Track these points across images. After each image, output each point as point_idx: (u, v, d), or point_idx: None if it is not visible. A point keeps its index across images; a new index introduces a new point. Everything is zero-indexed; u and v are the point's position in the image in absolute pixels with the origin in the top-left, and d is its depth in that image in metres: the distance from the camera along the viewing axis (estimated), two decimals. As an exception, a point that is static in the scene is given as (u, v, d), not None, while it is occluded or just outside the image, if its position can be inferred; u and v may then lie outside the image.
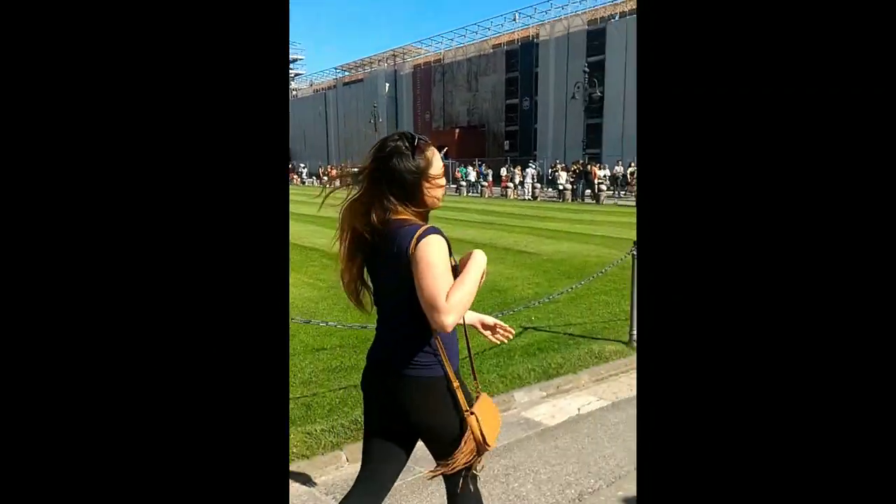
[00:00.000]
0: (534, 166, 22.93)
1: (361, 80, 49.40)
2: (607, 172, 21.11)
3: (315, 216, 13.41)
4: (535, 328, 4.29)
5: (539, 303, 4.30)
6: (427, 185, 1.34)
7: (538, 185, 21.90)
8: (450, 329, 1.23)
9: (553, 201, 19.71)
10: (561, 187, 20.23)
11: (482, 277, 1.32)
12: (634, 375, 3.54)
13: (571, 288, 4.55)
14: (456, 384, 1.34)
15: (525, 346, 3.87)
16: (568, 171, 21.08)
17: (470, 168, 26.22)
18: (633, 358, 3.75)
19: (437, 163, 1.36)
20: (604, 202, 18.27)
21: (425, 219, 1.38)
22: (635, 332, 3.95)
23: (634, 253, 3.92)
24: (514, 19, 37.16)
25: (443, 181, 1.38)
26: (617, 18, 30.73)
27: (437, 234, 1.27)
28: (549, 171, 24.15)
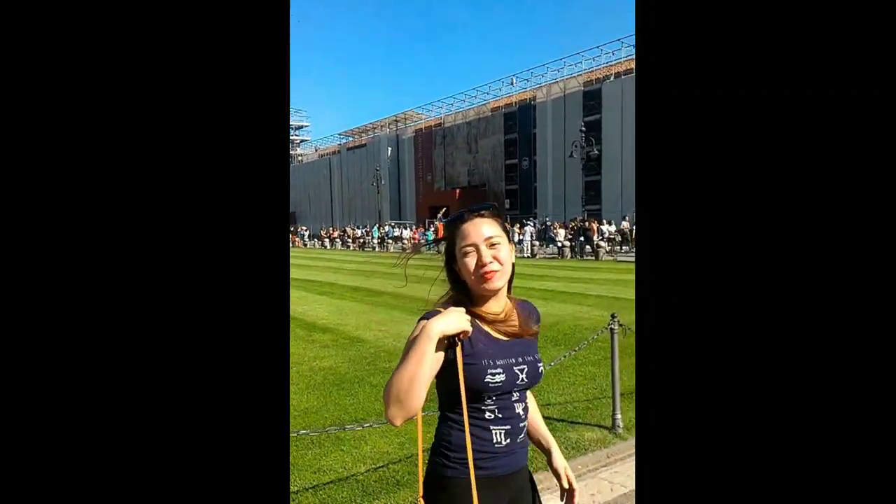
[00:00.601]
0: (532, 224, 22.73)
1: (365, 145, 50.62)
2: (613, 228, 20.77)
3: (304, 280, 12.92)
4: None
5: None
6: (456, 265, 1.24)
7: (537, 243, 21.61)
8: (396, 425, 1.12)
9: (553, 258, 19.34)
10: (560, 244, 19.92)
11: (460, 339, 1.17)
12: (616, 470, 2.98)
13: (555, 361, 4.05)
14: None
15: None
16: (566, 229, 20.82)
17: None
18: (616, 448, 3.19)
19: (460, 236, 1.23)
20: (603, 258, 17.87)
21: (484, 296, 1.24)
22: (619, 416, 3.41)
23: (614, 327, 3.44)
24: (512, 83, 38.26)
25: (468, 249, 1.21)
26: (612, 79, 31.46)
27: (426, 318, 1.17)
28: (542, 227, 23.92)
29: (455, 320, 1.14)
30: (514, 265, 1.28)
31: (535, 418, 1.35)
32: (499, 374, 1.18)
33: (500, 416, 1.20)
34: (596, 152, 24.00)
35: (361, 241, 31.27)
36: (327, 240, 34.96)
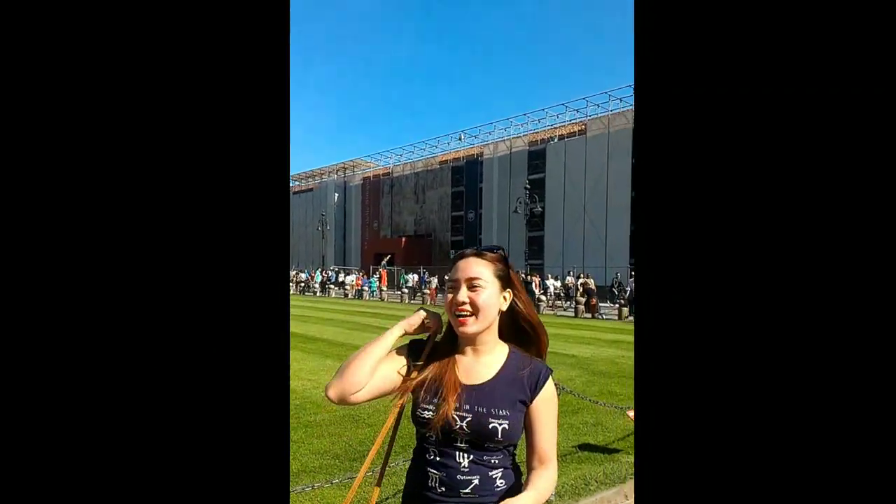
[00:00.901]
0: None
1: (311, 190, 50.16)
2: (558, 283, 21.00)
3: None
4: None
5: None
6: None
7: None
8: (328, 396, 1.16)
9: (495, 311, 19.32)
10: (502, 297, 20.01)
11: (431, 335, 1.25)
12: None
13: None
14: None
15: None
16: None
17: (412, 275, 25.95)
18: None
19: (452, 270, 1.23)
20: (543, 312, 18.05)
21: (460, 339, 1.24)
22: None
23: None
24: (460, 139, 39.29)
25: (451, 285, 1.21)
26: (556, 140, 32.90)
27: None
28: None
29: (418, 314, 1.23)
30: (512, 314, 1.24)
31: (533, 481, 1.14)
32: (429, 410, 1.16)
33: (437, 459, 1.16)
34: (539, 209, 24.73)
35: (304, 285, 30.40)
36: (266, 283, 33.74)
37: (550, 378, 1.21)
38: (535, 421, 1.18)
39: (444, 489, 1.14)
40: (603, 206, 27.97)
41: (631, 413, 3.85)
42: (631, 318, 15.86)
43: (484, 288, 1.18)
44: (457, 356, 1.22)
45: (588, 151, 29.29)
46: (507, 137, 35.89)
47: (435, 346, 1.24)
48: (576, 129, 32.19)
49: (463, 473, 1.14)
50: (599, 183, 28.19)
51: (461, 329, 1.18)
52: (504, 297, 1.22)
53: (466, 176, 37.30)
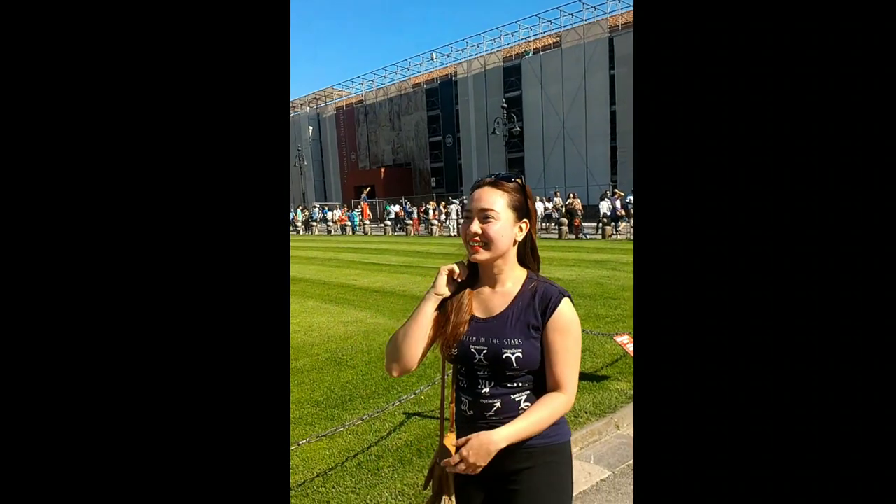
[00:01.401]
0: (457, 203, 22.60)
1: (283, 124, 48.29)
2: (550, 204, 20.45)
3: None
4: (420, 415, 3.47)
5: (433, 384, 3.50)
6: None
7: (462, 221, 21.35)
8: (392, 376, 1.27)
9: (479, 237, 19.21)
10: (485, 222, 19.74)
11: (447, 279, 1.26)
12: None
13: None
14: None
15: (400, 447, 3.01)
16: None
17: (395, 206, 25.65)
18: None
19: (469, 199, 1.25)
20: (529, 236, 18.00)
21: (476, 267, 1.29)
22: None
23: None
24: (432, 59, 37.63)
25: (467, 215, 1.24)
26: (531, 54, 31.61)
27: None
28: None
29: (440, 276, 1.24)
30: (528, 243, 1.26)
31: (531, 408, 1.21)
32: (455, 347, 1.23)
33: (465, 385, 1.25)
34: (518, 129, 24.13)
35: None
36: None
37: (566, 302, 1.20)
38: (548, 347, 1.20)
39: (472, 412, 1.23)
40: (582, 122, 27.39)
41: (619, 339, 3.84)
42: (614, 235, 15.93)
43: (496, 219, 1.19)
44: (476, 289, 1.27)
45: (564, 65, 28.26)
46: (480, 54, 34.39)
47: (457, 280, 1.28)
48: (550, 41, 30.87)
49: (486, 398, 1.21)
50: (577, 98, 27.44)
51: (473, 257, 1.21)
52: (520, 228, 1.23)
53: (441, 98, 36.06)
